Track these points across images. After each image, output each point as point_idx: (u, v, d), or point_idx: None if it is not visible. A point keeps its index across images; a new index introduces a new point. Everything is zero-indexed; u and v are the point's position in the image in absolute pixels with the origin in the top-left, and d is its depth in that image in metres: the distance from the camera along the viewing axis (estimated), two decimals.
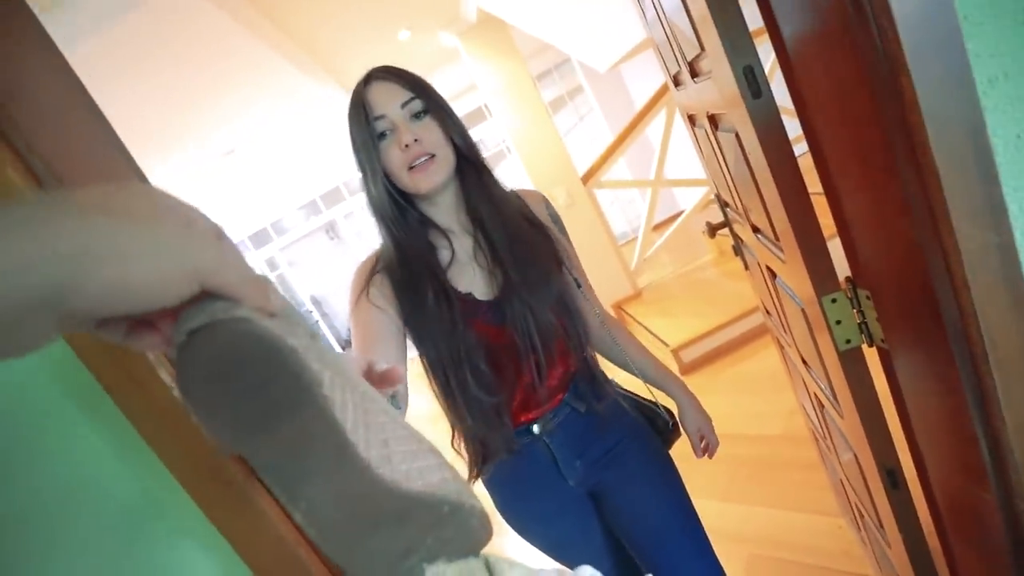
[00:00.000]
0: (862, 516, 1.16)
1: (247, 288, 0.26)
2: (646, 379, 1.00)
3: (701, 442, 1.01)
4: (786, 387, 1.67)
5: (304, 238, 7.73)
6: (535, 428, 0.88)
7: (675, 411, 1.03)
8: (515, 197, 0.89)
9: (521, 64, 3.88)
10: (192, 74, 3.10)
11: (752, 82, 0.64)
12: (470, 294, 0.81)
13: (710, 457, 1.03)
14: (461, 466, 0.89)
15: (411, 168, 0.75)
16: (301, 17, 2.98)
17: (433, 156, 0.76)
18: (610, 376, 1.00)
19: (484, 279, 0.82)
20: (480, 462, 0.88)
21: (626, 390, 1.04)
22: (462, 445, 0.89)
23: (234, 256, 0.26)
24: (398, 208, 0.80)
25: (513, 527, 0.97)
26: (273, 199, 6.93)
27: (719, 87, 0.77)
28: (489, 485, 0.95)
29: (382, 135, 0.76)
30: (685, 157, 4.16)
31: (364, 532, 0.28)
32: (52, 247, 0.20)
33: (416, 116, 0.76)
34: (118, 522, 0.59)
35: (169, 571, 0.61)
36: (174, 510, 0.62)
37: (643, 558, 0.93)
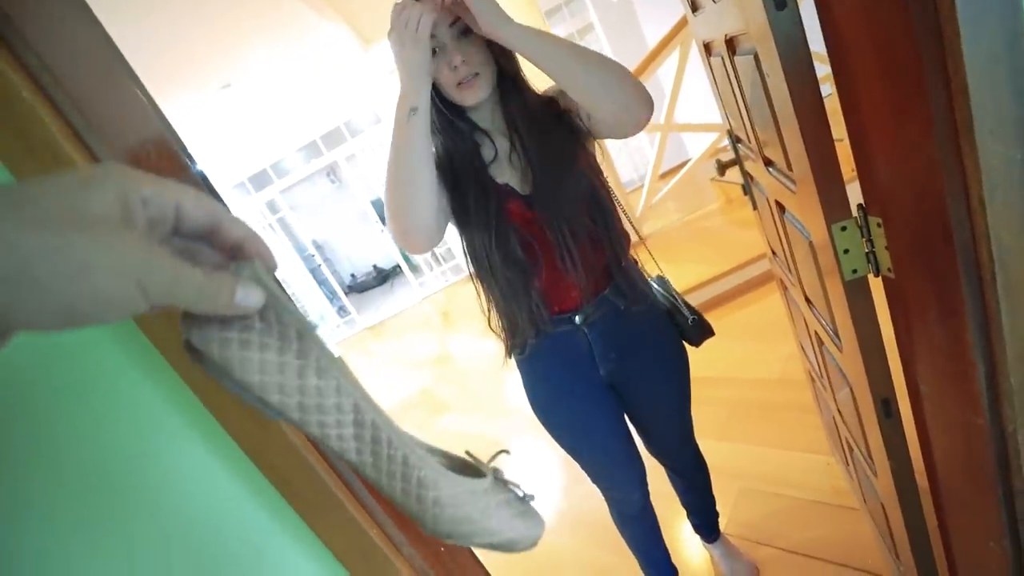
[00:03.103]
0: (851, 450, 1.20)
1: (203, 301, 0.26)
2: None
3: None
4: (786, 334, 1.69)
5: (305, 181, 7.61)
6: (577, 318, 0.97)
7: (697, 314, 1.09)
8: (552, 98, 0.94)
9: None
10: (186, 2, 2.95)
11: None
12: (507, 184, 0.92)
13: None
14: (498, 345, 1.01)
15: (459, 85, 0.84)
16: None
17: (478, 74, 0.84)
18: (655, 274, 1.13)
19: (520, 176, 0.92)
20: (513, 339, 0.98)
21: (661, 290, 1.12)
22: (498, 325, 1.00)
23: (171, 262, 0.24)
24: (447, 116, 0.90)
25: (536, 405, 1.07)
26: (272, 139, 6.77)
27: (740, 3, 0.73)
28: (524, 364, 1.05)
29: (433, 52, 0.83)
30: (696, 102, 4.03)
31: None
32: None
33: (463, 34, 0.83)
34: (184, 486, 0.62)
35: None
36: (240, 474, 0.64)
37: (645, 439, 1.19)
